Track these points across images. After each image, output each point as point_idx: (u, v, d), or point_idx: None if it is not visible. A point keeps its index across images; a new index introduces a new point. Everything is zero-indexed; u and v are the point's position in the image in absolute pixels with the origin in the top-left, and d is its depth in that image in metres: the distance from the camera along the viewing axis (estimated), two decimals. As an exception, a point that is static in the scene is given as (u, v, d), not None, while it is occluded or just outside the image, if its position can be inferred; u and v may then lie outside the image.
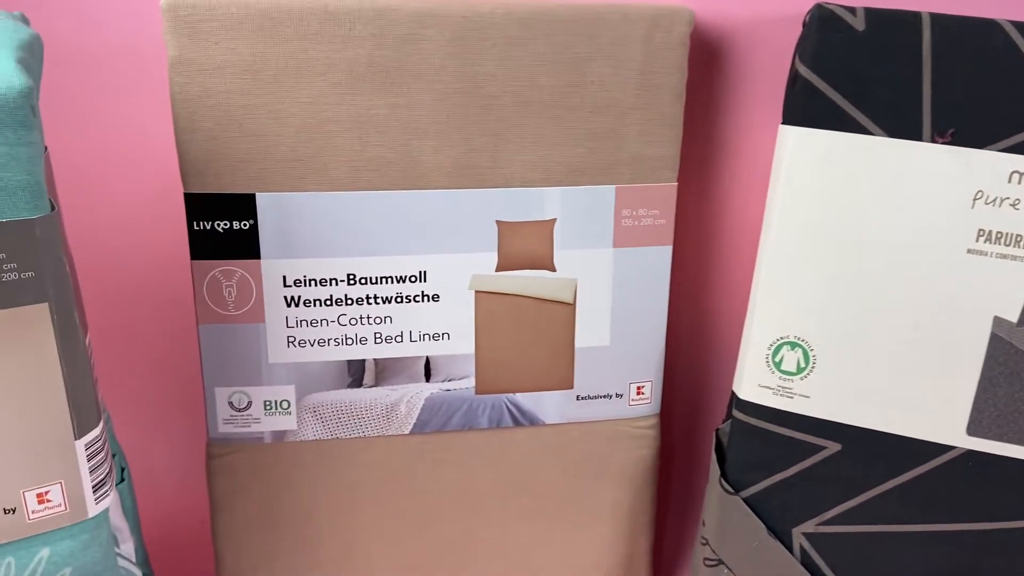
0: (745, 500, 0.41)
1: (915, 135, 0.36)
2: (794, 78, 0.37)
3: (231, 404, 0.40)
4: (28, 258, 0.28)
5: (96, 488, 0.32)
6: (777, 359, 0.40)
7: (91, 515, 0.32)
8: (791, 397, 0.40)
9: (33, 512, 0.30)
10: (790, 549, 0.41)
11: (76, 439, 0.31)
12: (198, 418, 0.49)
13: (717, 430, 0.42)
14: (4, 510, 0.30)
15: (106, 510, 0.32)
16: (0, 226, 0.27)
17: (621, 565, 0.47)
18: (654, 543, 0.47)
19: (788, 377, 0.40)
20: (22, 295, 0.28)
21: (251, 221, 0.37)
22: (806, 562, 0.41)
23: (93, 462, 0.31)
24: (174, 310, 0.45)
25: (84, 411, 0.31)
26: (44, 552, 0.31)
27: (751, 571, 0.41)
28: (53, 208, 0.28)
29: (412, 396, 0.41)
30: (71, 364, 0.30)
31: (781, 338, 0.39)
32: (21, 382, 0.29)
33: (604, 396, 0.43)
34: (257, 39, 0.35)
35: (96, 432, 0.31)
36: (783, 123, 0.38)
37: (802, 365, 0.39)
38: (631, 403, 0.44)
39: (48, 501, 0.31)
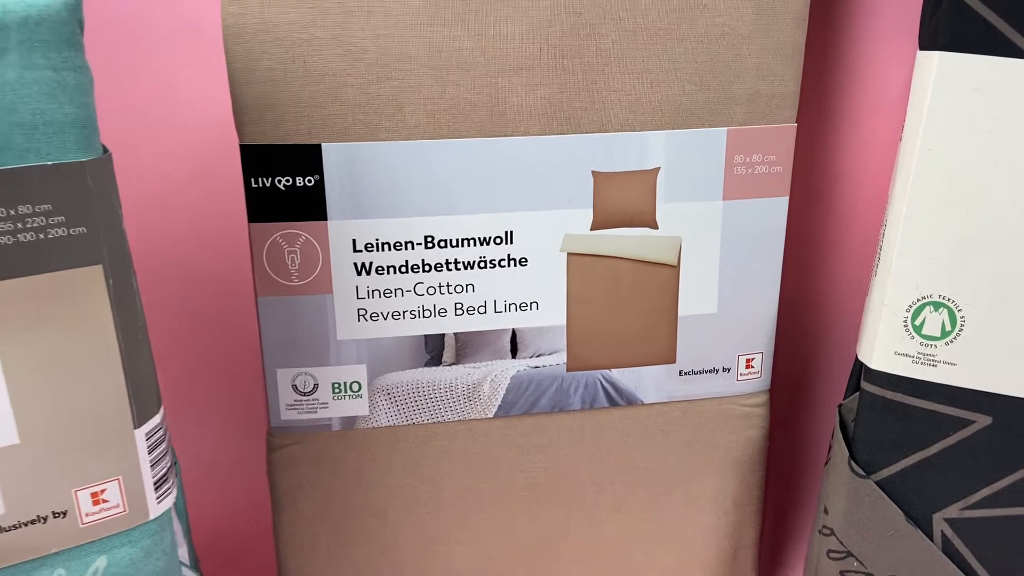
0: (878, 484, 0.36)
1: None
2: (939, -4, 0.32)
3: (295, 387, 0.35)
4: (79, 210, 0.23)
5: (158, 485, 0.27)
6: (918, 322, 0.35)
7: (153, 516, 0.27)
8: (934, 365, 0.35)
9: (87, 515, 0.26)
10: (930, 537, 0.36)
11: (135, 428, 0.26)
12: (246, 405, 0.44)
13: (840, 406, 0.38)
14: (54, 513, 0.25)
15: (169, 510, 0.28)
16: (45, 170, 0.22)
17: (725, 560, 0.42)
18: (760, 535, 0.43)
19: (931, 342, 0.35)
20: (72, 256, 0.23)
21: (316, 176, 0.33)
22: (948, 551, 0.36)
23: (154, 454, 0.27)
24: (220, 281, 0.40)
25: (144, 394, 0.26)
26: (100, 562, 0.26)
27: (886, 563, 0.37)
28: (105, 150, 0.24)
29: (496, 375, 0.37)
30: (129, 339, 0.25)
31: (923, 298, 0.35)
32: (72, 361, 0.24)
33: (709, 371, 0.38)
34: (323, -40, 0.30)
35: (157, 419, 0.27)
36: (922, 49, 0.34)
37: (947, 328, 0.34)
38: (739, 378, 0.39)
39: (104, 501, 0.26)
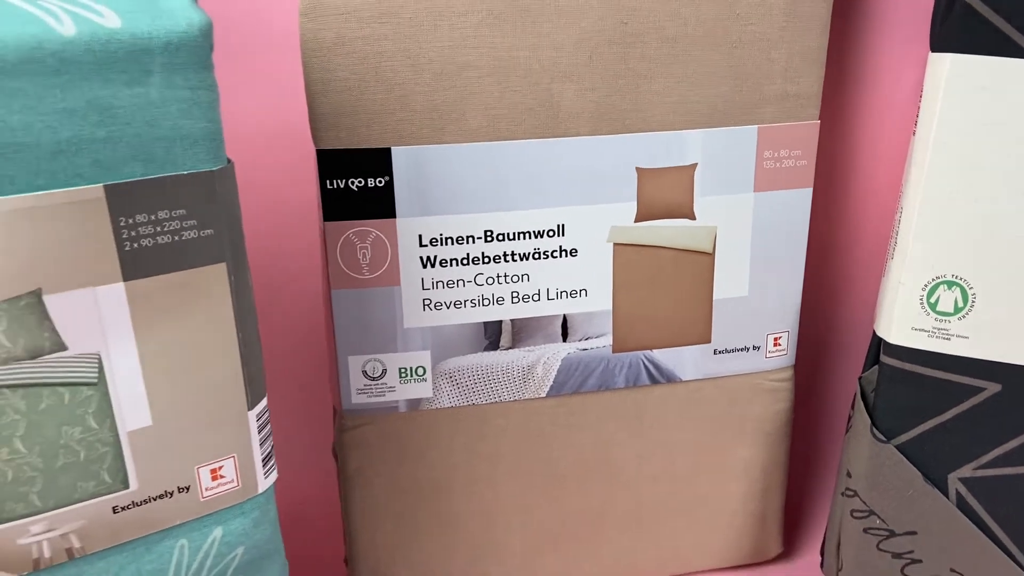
0: (897, 448, 0.40)
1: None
2: (950, 2, 0.36)
3: (365, 373, 0.38)
4: (207, 214, 0.26)
5: (265, 462, 0.30)
6: (932, 300, 0.38)
7: (261, 491, 0.30)
8: (948, 339, 0.39)
9: (207, 489, 0.29)
10: (946, 495, 0.40)
11: (248, 409, 0.29)
12: (303, 390, 0.47)
13: (861, 379, 0.41)
14: (179, 488, 0.28)
15: (273, 485, 0.30)
16: (180, 179, 0.25)
17: (753, 524, 0.45)
18: (784, 500, 0.46)
19: (945, 318, 0.38)
20: (201, 255, 0.26)
21: (386, 177, 0.35)
22: (963, 507, 0.40)
23: (262, 434, 0.29)
24: (289, 276, 0.43)
25: (255, 379, 0.29)
26: (217, 532, 0.29)
27: (905, 520, 0.40)
28: (228, 160, 0.26)
29: (549, 357, 0.40)
30: (245, 329, 0.28)
31: (937, 278, 0.38)
32: (198, 350, 0.27)
33: (741, 349, 0.42)
34: (395, -21, 0.33)
35: (264, 402, 0.29)
36: (933, 51, 0.37)
37: (960, 305, 0.38)
38: (768, 355, 0.42)
39: (221, 477, 0.29)
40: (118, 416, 0.26)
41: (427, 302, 0.37)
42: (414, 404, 0.39)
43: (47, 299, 0.24)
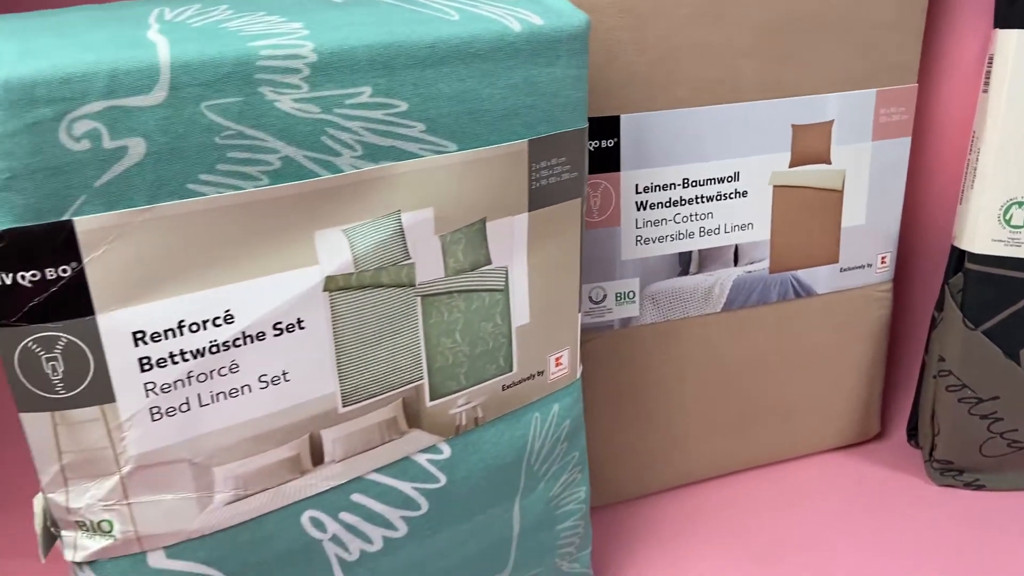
0: (983, 333, 0.52)
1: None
2: (1018, -10, 0.47)
3: (590, 298, 0.47)
4: (577, 160, 0.34)
5: (579, 356, 0.39)
6: (1007, 216, 0.50)
7: (577, 376, 0.39)
8: (1019, 245, 0.51)
9: (552, 374, 0.37)
10: (1019, 365, 0.52)
11: (579, 312, 0.38)
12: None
13: (948, 283, 0.53)
14: (538, 372, 0.37)
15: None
16: (568, 135, 0.33)
17: (859, 409, 0.57)
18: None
19: (1017, 230, 0.50)
20: (569, 192, 0.35)
21: (615, 139, 0.45)
22: (1033, 375, 0.52)
23: (580, 332, 0.38)
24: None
25: (580, 289, 0.38)
26: (555, 407, 0.38)
27: (990, 388, 0.52)
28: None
29: (724, 279, 0.50)
30: (583, 249, 0.37)
31: (1011, 199, 0.50)
32: (558, 264, 0.36)
33: (859, 267, 0.53)
34: (632, -18, 0.42)
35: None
36: (1000, 27, 0.48)
37: (1029, 219, 0.50)
38: (876, 271, 0.54)
39: (560, 364, 0.38)
40: (512, 314, 0.35)
41: (638, 238, 0.47)
42: (625, 322, 0.48)
43: (488, 225, 0.32)
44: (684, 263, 0.49)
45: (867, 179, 0.51)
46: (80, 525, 0.27)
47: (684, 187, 0.47)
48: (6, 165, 0.23)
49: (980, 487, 0.55)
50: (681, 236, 0.48)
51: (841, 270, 0.53)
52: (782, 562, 0.48)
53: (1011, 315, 0.52)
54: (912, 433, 0.60)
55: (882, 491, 0.54)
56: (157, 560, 0.28)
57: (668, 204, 0.47)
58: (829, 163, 0.50)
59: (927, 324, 0.60)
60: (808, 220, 0.50)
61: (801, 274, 0.52)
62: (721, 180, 0.48)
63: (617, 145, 0.45)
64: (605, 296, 0.48)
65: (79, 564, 0.28)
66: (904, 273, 0.59)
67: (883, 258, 0.54)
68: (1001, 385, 0.53)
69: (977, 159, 0.51)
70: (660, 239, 0.48)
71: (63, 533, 0.27)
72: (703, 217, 0.48)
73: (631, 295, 0.48)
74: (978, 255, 0.51)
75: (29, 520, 0.52)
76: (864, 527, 0.51)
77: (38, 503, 0.28)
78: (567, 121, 0.34)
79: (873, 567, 0.47)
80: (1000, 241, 0.51)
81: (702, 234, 0.48)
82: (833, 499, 0.54)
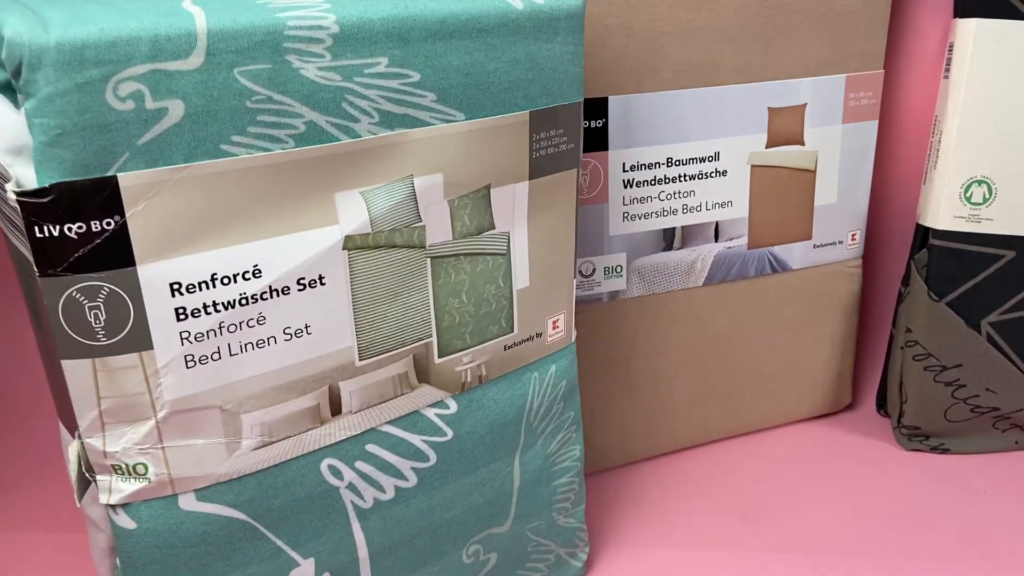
0: (946, 304, 0.55)
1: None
2: (974, -18, 0.51)
3: (580, 272, 0.49)
4: (573, 132, 0.37)
5: (573, 320, 0.41)
6: (968, 194, 0.54)
7: (572, 340, 0.41)
8: (979, 222, 0.54)
9: (549, 336, 0.40)
10: (980, 334, 0.55)
11: (574, 277, 0.40)
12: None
13: (913, 259, 0.56)
14: (536, 334, 0.39)
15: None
16: (566, 108, 0.36)
17: (833, 379, 0.60)
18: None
19: (976, 207, 0.54)
20: (566, 162, 0.37)
21: (604, 120, 0.47)
22: (992, 343, 0.55)
23: (575, 297, 0.41)
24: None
25: (576, 256, 0.40)
26: (552, 368, 0.40)
27: (954, 356, 0.56)
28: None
29: (705, 254, 0.52)
30: (578, 218, 0.39)
31: (971, 178, 0.53)
32: (556, 231, 0.38)
33: (831, 243, 0.56)
34: (619, -30, 0.45)
35: (577, 273, 0.41)
36: (958, 16, 0.52)
37: (987, 196, 0.53)
38: (847, 248, 0.57)
39: (556, 327, 0.40)
40: (513, 278, 0.37)
41: (625, 214, 0.49)
42: (612, 295, 0.51)
43: (492, 192, 0.35)
44: (668, 239, 0.51)
45: (838, 160, 0.54)
46: (116, 469, 0.29)
47: (668, 166, 0.50)
48: (57, 122, 0.24)
49: (945, 451, 0.58)
50: (665, 213, 0.51)
51: (814, 246, 0.56)
52: (763, 521, 0.50)
53: (972, 287, 0.55)
54: (881, 403, 0.63)
55: (855, 456, 0.57)
56: (188, 502, 0.30)
57: (653, 182, 0.50)
58: (803, 144, 0.53)
59: (894, 298, 0.63)
60: (783, 198, 0.53)
61: (777, 250, 0.54)
62: (703, 160, 0.50)
63: (605, 125, 0.47)
64: (594, 270, 0.50)
65: (113, 507, 0.29)
66: (872, 249, 0.63)
67: (853, 235, 0.57)
68: (964, 353, 0.56)
69: (939, 141, 0.54)
70: (645, 215, 0.50)
71: (98, 477, 0.29)
72: (686, 195, 0.51)
73: (619, 269, 0.51)
74: (941, 231, 0.55)
75: (28, 498, 0.53)
76: (839, 489, 0.54)
77: (72, 450, 0.30)
78: (565, 95, 0.36)
79: (848, 525, 0.50)
80: (961, 217, 0.54)
81: (685, 211, 0.51)
82: (810, 464, 0.56)
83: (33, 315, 0.31)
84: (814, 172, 0.54)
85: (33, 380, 0.65)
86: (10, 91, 0.29)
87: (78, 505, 0.31)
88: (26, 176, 0.27)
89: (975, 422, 0.57)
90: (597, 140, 0.48)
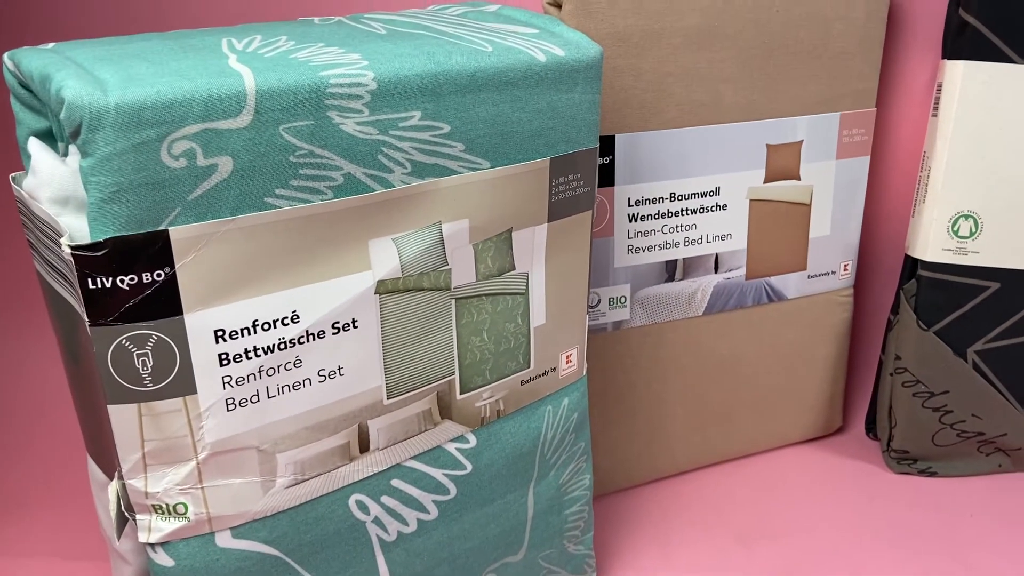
0: (934, 334, 0.57)
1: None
2: (961, 25, 0.53)
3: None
4: (589, 176, 0.38)
5: (582, 355, 0.42)
6: (955, 228, 0.56)
7: (583, 374, 0.42)
8: (965, 254, 0.56)
9: (563, 370, 0.41)
10: (966, 361, 0.58)
11: (586, 313, 0.41)
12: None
13: (903, 289, 0.58)
14: (551, 369, 0.40)
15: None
16: (583, 153, 0.37)
17: (825, 404, 0.62)
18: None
19: (963, 240, 0.56)
20: (581, 205, 0.39)
21: (611, 157, 0.49)
22: (978, 370, 0.58)
23: (586, 332, 0.42)
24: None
25: (588, 294, 0.41)
26: (565, 401, 0.42)
27: (941, 383, 0.58)
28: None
29: (705, 285, 0.54)
30: (591, 256, 0.40)
31: (958, 212, 0.56)
32: (571, 270, 0.39)
33: (824, 274, 0.58)
34: (628, 13, 0.46)
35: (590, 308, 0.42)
36: (946, 58, 0.54)
37: (973, 230, 0.56)
38: (839, 278, 0.59)
39: (570, 362, 0.41)
40: (531, 316, 0.38)
41: (631, 247, 0.51)
42: (617, 325, 0.52)
43: (513, 234, 0.36)
44: (670, 270, 0.53)
45: (832, 194, 0.56)
46: (156, 508, 0.29)
47: (671, 201, 0.51)
48: (113, 180, 0.25)
49: (933, 474, 0.60)
50: (668, 246, 0.52)
51: (808, 277, 0.58)
52: (759, 544, 0.52)
53: (959, 317, 0.57)
54: (870, 426, 0.65)
55: (846, 479, 0.59)
56: (224, 540, 0.31)
57: (656, 216, 0.51)
58: (799, 179, 0.55)
59: (884, 326, 0.66)
60: (780, 231, 0.55)
61: (774, 280, 0.56)
62: (704, 194, 0.52)
63: (612, 162, 0.49)
64: (599, 301, 0.52)
65: (152, 545, 0.30)
66: (863, 280, 0.65)
67: (845, 265, 0.59)
68: (951, 380, 0.58)
69: (928, 176, 0.57)
70: (649, 248, 0.52)
71: (138, 516, 0.30)
72: (687, 228, 0.52)
73: (623, 300, 0.52)
74: (929, 263, 0.57)
75: (29, 523, 0.53)
76: (831, 511, 0.56)
77: (112, 490, 0.30)
78: (582, 141, 0.37)
79: (841, 545, 0.52)
80: (949, 250, 0.57)
81: (686, 244, 0.53)
82: (803, 486, 0.58)
83: (71, 359, 0.32)
84: (809, 206, 0.56)
85: (34, 402, 0.65)
86: (51, 139, 0.30)
87: (116, 544, 0.32)
88: (73, 226, 0.28)
89: (961, 446, 0.60)
90: (604, 176, 0.49)
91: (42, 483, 0.58)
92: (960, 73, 0.54)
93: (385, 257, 0.32)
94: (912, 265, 0.59)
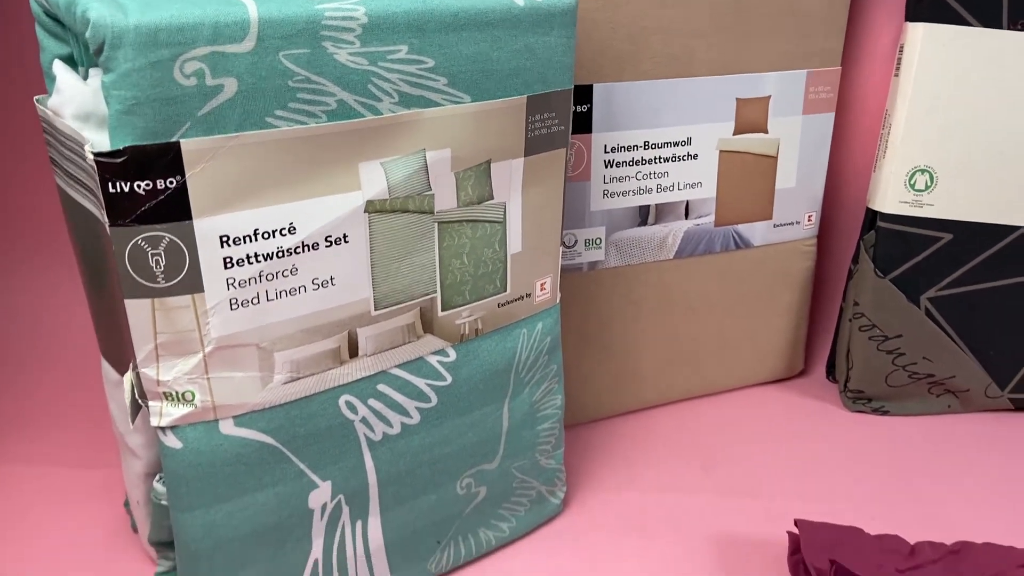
0: (890, 281, 0.61)
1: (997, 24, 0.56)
2: (923, -10, 0.56)
3: (564, 243, 0.54)
4: (563, 115, 0.42)
5: (558, 284, 0.46)
6: (912, 182, 0.59)
7: (556, 302, 0.46)
8: (921, 207, 0.60)
9: (537, 297, 0.45)
10: (919, 308, 0.61)
11: (559, 246, 0.45)
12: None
13: (863, 239, 0.62)
14: (526, 295, 0.44)
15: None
16: (558, 93, 0.40)
17: (787, 348, 0.66)
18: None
19: (919, 193, 0.60)
20: (556, 142, 0.42)
21: (588, 105, 0.52)
22: (929, 316, 0.62)
23: (559, 263, 0.45)
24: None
25: (562, 227, 0.45)
26: (539, 325, 0.45)
27: (895, 327, 0.62)
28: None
29: (676, 230, 0.58)
30: (565, 193, 0.44)
31: (915, 167, 0.59)
32: (546, 204, 0.43)
33: (789, 223, 0.61)
34: (606, -31, 0.49)
35: (564, 241, 0.45)
36: (908, 20, 0.57)
37: (928, 184, 0.59)
38: (804, 228, 0.62)
39: (543, 289, 0.45)
40: (508, 243, 0.42)
41: (605, 192, 0.54)
42: (592, 265, 0.56)
43: (492, 166, 0.39)
44: (643, 215, 0.56)
45: (797, 147, 0.60)
46: (167, 395, 0.33)
47: (645, 149, 0.55)
48: (132, 94, 0.29)
49: (885, 412, 0.65)
50: (641, 191, 0.56)
51: (774, 226, 0.61)
52: (721, 469, 0.56)
53: (913, 266, 0.61)
54: (830, 370, 0.69)
55: (804, 415, 0.63)
56: (227, 427, 0.34)
57: (631, 163, 0.55)
58: (766, 132, 0.58)
59: (845, 275, 0.69)
60: (748, 181, 0.59)
61: (741, 228, 0.60)
62: (676, 144, 0.55)
63: (590, 110, 0.52)
64: (576, 241, 0.55)
65: (163, 428, 0.34)
66: (826, 230, 0.69)
67: (809, 216, 0.63)
68: (904, 325, 0.62)
69: (888, 133, 0.60)
70: (623, 193, 0.55)
71: (150, 403, 0.33)
72: (660, 175, 0.56)
73: (598, 241, 0.56)
74: (888, 215, 0.60)
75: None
76: (789, 443, 0.60)
77: (127, 379, 0.34)
78: (557, 82, 0.41)
79: (795, 473, 0.56)
80: (906, 203, 0.60)
81: (659, 190, 0.56)
82: (764, 422, 0.62)
83: (90, 268, 0.35)
84: (776, 158, 0.59)
85: (44, 329, 0.68)
86: (72, 63, 0.34)
87: (130, 427, 0.36)
88: (94, 140, 0.31)
89: (912, 387, 0.64)
90: (582, 123, 0.52)
91: (52, 403, 0.62)
92: (921, 35, 0.57)
93: (374, 179, 0.35)
94: (872, 217, 0.62)
